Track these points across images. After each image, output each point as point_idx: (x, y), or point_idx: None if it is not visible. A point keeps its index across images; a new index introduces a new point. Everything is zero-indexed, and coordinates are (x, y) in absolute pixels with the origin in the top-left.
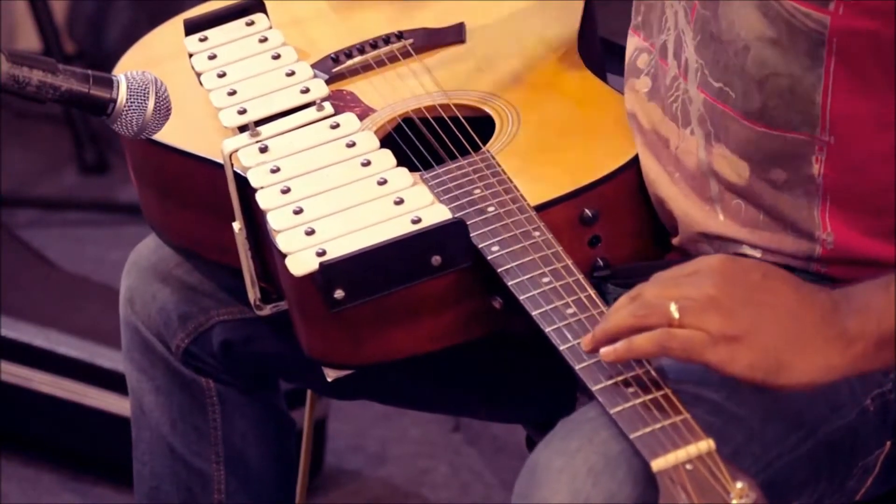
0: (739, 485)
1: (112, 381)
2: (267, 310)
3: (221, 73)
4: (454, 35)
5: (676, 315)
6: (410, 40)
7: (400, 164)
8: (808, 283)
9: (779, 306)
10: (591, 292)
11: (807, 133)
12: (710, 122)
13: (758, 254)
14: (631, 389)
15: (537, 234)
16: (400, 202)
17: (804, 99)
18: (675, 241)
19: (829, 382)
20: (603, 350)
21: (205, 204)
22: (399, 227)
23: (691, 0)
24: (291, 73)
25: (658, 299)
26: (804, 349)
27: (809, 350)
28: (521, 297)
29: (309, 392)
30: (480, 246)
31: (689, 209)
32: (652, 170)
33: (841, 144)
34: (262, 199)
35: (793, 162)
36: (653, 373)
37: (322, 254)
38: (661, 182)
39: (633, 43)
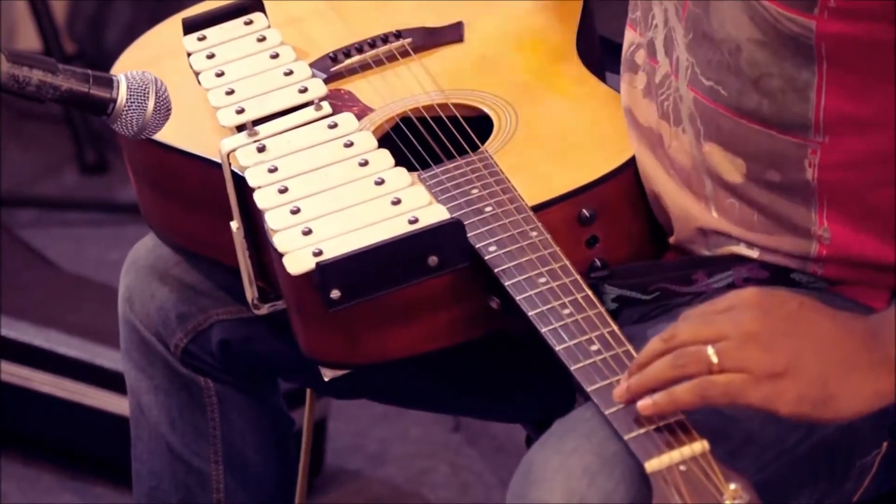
0: (733, 486)
1: (112, 381)
2: (264, 309)
3: (220, 72)
4: (453, 34)
5: (715, 360)
6: (409, 39)
7: (398, 163)
8: (844, 312)
9: (819, 336)
10: (588, 293)
11: (800, 136)
12: (701, 120)
13: (755, 253)
14: None
15: (535, 234)
16: (397, 202)
17: (797, 99)
18: (671, 239)
19: (879, 410)
20: (641, 404)
21: (203, 203)
22: (396, 227)
23: None
24: (289, 73)
25: (694, 343)
26: (850, 377)
27: (855, 377)
28: (518, 298)
29: (308, 392)
30: (478, 246)
31: (686, 204)
32: (648, 165)
33: (834, 143)
34: (259, 199)
35: (787, 164)
36: None
37: (319, 253)
38: (658, 177)
39: (629, 37)
